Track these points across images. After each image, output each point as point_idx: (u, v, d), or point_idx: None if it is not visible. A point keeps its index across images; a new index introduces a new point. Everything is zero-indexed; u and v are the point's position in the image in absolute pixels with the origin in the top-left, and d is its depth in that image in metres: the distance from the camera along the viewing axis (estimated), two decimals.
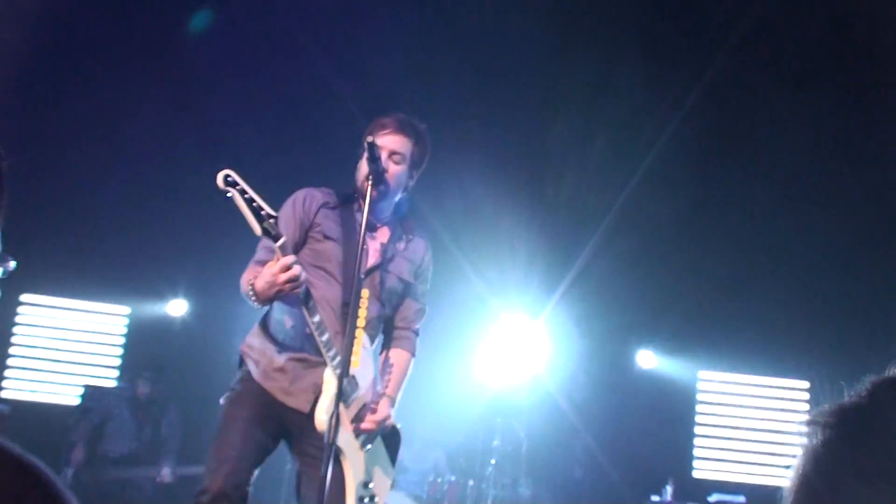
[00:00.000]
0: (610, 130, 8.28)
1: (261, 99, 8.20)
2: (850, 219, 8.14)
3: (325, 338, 3.43)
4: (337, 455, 3.48)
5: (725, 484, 8.63)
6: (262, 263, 3.49)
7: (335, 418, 3.18)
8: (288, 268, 3.27)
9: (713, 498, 7.65)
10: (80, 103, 7.94)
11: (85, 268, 8.80)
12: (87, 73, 7.86)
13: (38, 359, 9.26)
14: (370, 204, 3.46)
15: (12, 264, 6.43)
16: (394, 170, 3.66)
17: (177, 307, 9.14)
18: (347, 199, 3.78)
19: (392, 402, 3.73)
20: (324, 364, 3.48)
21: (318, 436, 3.42)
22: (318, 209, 3.71)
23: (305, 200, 3.72)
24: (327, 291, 3.61)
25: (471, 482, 7.59)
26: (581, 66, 7.79)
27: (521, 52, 7.89)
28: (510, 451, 7.91)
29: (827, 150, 7.94)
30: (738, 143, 8.40)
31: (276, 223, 3.27)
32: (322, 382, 3.49)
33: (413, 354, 3.90)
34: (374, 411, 3.63)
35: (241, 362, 3.67)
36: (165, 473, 7.32)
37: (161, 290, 9.04)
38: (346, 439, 3.54)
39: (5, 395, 8.98)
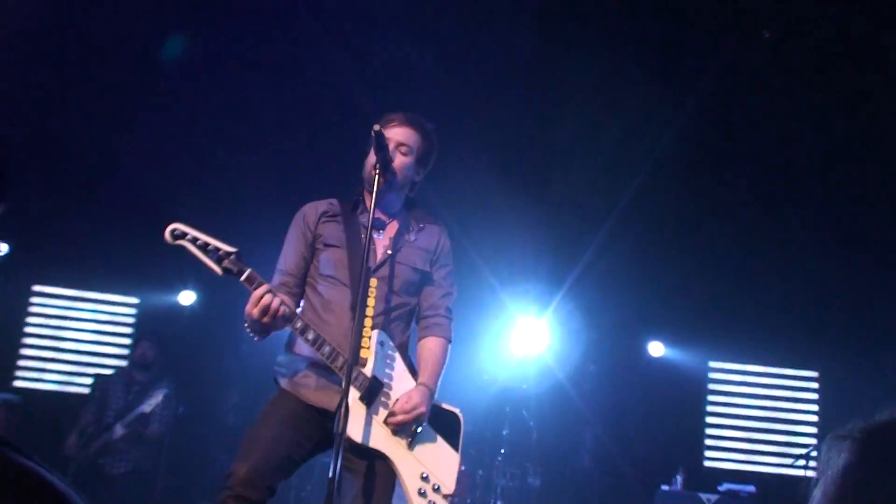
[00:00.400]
0: (618, 122, 8.23)
1: (271, 90, 8.20)
2: (860, 209, 8.12)
3: (325, 350, 3.39)
4: (381, 458, 3.48)
5: (736, 473, 8.66)
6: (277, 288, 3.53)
7: (344, 407, 3.12)
8: (259, 300, 3.24)
9: (723, 487, 7.63)
10: (92, 98, 7.95)
11: (95, 259, 8.86)
12: (98, 63, 7.86)
13: (50, 348, 9.35)
14: (378, 194, 3.43)
15: (4, 247, 6.32)
16: (401, 160, 3.65)
17: (186, 297, 9.17)
18: (352, 204, 3.76)
19: (428, 391, 3.60)
20: None
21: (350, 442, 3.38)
22: (319, 220, 3.71)
23: (305, 216, 3.73)
24: (337, 297, 3.59)
25: (480, 472, 7.60)
26: (589, 60, 7.78)
27: (526, 49, 7.90)
28: (519, 441, 7.91)
29: (838, 139, 7.92)
30: (748, 134, 8.35)
31: (237, 258, 3.25)
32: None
33: (447, 339, 3.78)
34: (406, 401, 3.52)
35: (275, 381, 3.65)
36: (117, 429, 7.01)
37: (170, 281, 9.07)
38: (384, 441, 3.48)
39: (18, 384, 9.08)
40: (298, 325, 3.38)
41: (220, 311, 8.73)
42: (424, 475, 3.55)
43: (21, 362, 9.27)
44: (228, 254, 3.27)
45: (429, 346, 3.74)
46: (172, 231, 3.24)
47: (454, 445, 3.71)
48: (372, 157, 3.54)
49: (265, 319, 3.26)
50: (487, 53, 8.05)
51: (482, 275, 8.36)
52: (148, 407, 7.12)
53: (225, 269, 3.24)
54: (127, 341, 9.34)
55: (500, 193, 8.60)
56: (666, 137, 8.16)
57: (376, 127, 3.38)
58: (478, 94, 8.24)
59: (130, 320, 9.42)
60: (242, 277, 3.27)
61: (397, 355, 3.62)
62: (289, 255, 3.70)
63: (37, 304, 9.38)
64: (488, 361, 8.60)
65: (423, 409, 3.52)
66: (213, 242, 3.26)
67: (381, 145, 3.43)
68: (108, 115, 8.18)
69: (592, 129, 8.23)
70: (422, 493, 3.52)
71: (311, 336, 3.39)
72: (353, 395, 3.39)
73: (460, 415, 3.77)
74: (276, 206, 8.02)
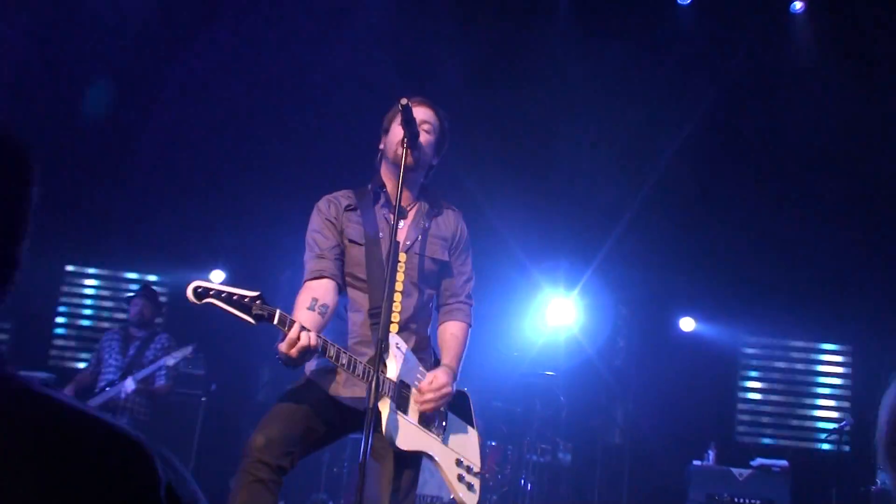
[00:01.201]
0: (650, 97, 8.26)
1: (295, 66, 8.23)
2: (891, 182, 8.03)
3: (358, 370, 3.32)
4: (425, 457, 3.50)
5: (768, 448, 8.63)
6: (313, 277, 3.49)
7: (375, 382, 3.12)
8: (295, 342, 3.14)
9: (756, 462, 7.63)
10: (120, 80, 8.02)
11: (127, 239, 8.92)
12: (124, 41, 7.92)
13: (82, 327, 9.46)
14: (405, 172, 3.37)
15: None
16: (426, 138, 3.58)
17: (216, 276, 9.23)
18: (372, 194, 3.68)
19: (451, 371, 3.57)
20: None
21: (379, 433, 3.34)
22: (343, 213, 3.61)
23: (330, 206, 3.63)
24: (357, 298, 3.55)
25: (510, 448, 7.63)
26: (617, 40, 7.83)
27: (556, 29, 7.92)
28: (550, 417, 7.91)
29: (875, 106, 7.85)
30: (780, 105, 8.31)
31: (263, 302, 3.13)
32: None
33: (468, 324, 3.75)
34: (431, 382, 3.48)
35: (302, 372, 3.61)
36: (128, 384, 6.84)
37: (200, 259, 9.12)
38: (422, 442, 3.48)
39: (52, 364, 9.19)
40: (332, 352, 3.28)
41: (251, 289, 8.75)
42: (459, 460, 3.60)
43: (55, 342, 9.40)
44: (254, 299, 3.15)
45: (450, 330, 3.71)
46: (195, 290, 3.12)
47: (470, 423, 3.75)
48: (397, 133, 3.48)
49: (303, 359, 3.21)
50: (522, 40, 8.05)
51: (512, 251, 8.35)
52: (173, 360, 7.02)
53: (256, 317, 3.12)
54: (159, 320, 9.39)
55: (530, 169, 8.68)
56: (697, 112, 8.15)
57: (404, 100, 3.30)
58: (512, 71, 8.26)
59: (162, 299, 9.48)
60: (275, 321, 3.14)
61: (410, 354, 3.53)
62: (321, 238, 3.57)
63: (69, 285, 9.50)
64: (518, 338, 8.62)
65: (448, 388, 3.51)
66: (237, 292, 3.15)
67: (410, 119, 3.35)
68: (134, 96, 8.30)
69: (624, 105, 8.22)
70: (461, 479, 3.58)
71: (344, 360, 3.29)
72: (390, 405, 3.35)
73: (468, 392, 3.79)
74: (302, 179, 8.16)
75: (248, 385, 8.98)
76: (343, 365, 3.29)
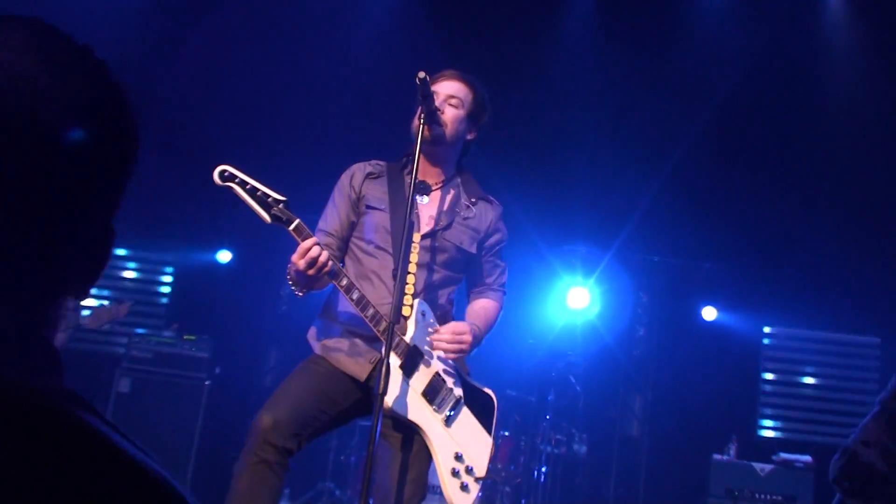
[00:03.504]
0: (671, 83, 8.20)
1: (318, 43, 8.20)
2: None
3: (369, 313, 3.35)
4: (417, 432, 3.46)
5: (792, 442, 8.50)
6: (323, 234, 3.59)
7: (385, 367, 3.12)
8: (306, 251, 3.20)
9: (778, 457, 7.56)
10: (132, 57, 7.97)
11: (130, 217, 8.81)
12: (129, 21, 7.88)
13: (88, 308, 9.43)
14: (423, 150, 3.40)
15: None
16: (451, 113, 3.60)
17: (223, 256, 9.20)
18: (401, 165, 3.72)
19: (477, 329, 3.59)
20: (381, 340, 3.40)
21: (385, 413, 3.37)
22: (364, 180, 3.67)
23: (352, 177, 3.69)
24: (378, 264, 3.56)
25: (524, 438, 7.59)
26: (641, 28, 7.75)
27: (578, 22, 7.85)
28: (565, 407, 7.88)
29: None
30: (802, 97, 8.22)
31: (286, 207, 3.23)
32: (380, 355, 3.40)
33: (499, 304, 3.82)
34: (452, 329, 3.49)
35: (309, 346, 3.67)
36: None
37: (207, 239, 9.10)
38: (420, 414, 3.44)
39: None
40: (344, 282, 3.34)
41: (258, 271, 8.75)
42: (459, 455, 3.52)
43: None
44: (278, 201, 3.23)
45: (481, 303, 3.78)
46: (221, 172, 3.22)
47: (487, 428, 3.67)
48: (417, 111, 3.50)
49: (311, 272, 3.22)
50: (540, 25, 8.02)
51: (528, 236, 8.28)
52: (94, 321, 6.68)
53: (274, 217, 3.21)
54: (164, 301, 9.43)
55: (547, 151, 8.65)
56: (720, 96, 8.09)
57: (421, 74, 3.29)
58: (530, 56, 8.23)
59: (168, 279, 9.48)
60: (291, 227, 3.23)
61: (438, 326, 3.56)
62: (331, 215, 3.66)
63: None
64: (534, 325, 8.57)
65: (468, 337, 3.49)
66: (263, 189, 3.23)
67: (426, 94, 3.37)
68: (141, 73, 8.22)
69: (645, 88, 8.19)
70: (455, 473, 3.49)
71: (355, 295, 3.35)
72: (394, 361, 3.36)
73: (494, 397, 3.74)
74: (320, 170, 8.13)
75: (254, 369, 8.94)
76: (353, 300, 3.33)
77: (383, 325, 3.33)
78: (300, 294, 3.45)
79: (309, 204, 3.79)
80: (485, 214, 3.77)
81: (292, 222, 3.23)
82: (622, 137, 8.43)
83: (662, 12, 8.11)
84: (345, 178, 3.70)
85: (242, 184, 3.22)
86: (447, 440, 3.50)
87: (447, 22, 8.11)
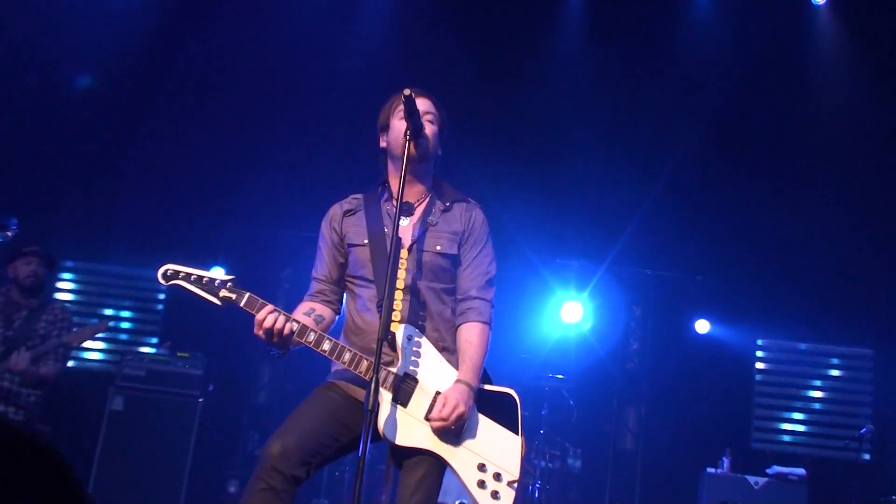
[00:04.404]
0: (663, 96, 8.26)
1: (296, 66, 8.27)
2: None
3: (346, 358, 3.37)
4: (429, 454, 3.42)
5: (785, 455, 8.55)
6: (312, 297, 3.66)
7: (374, 383, 3.08)
8: (261, 324, 3.28)
9: (772, 470, 7.61)
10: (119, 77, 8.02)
11: (122, 233, 8.94)
12: (120, 36, 7.92)
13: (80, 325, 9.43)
14: (408, 167, 3.38)
15: (12, 229, 6.02)
16: (430, 129, 3.60)
17: (215, 273, 9.21)
18: (377, 192, 3.71)
19: (466, 388, 3.43)
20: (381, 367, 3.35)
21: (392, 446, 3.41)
22: (342, 219, 3.70)
23: (331, 221, 3.74)
24: (368, 296, 3.57)
25: None
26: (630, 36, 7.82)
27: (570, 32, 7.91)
28: (559, 421, 7.88)
29: (893, 105, 7.81)
30: (795, 105, 8.32)
31: (234, 285, 3.35)
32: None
33: (485, 322, 3.61)
34: (442, 406, 3.38)
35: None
36: (21, 359, 5.88)
37: (199, 256, 9.11)
38: (427, 439, 3.40)
39: None
40: (311, 337, 3.38)
41: (251, 287, 8.74)
42: (482, 465, 3.44)
43: None
44: (224, 282, 3.37)
45: (464, 336, 3.59)
46: (164, 273, 3.40)
47: (512, 428, 3.54)
48: (399, 126, 3.51)
49: (274, 340, 3.30)
50: (532, 38, 8.09)
51: (521, 250, 8.35)
52: (76, 339, 6.31)
53: (223, 299, 3.33)
54: (156, 317, 9.45)
55: (539, 166, 8.68)
56: (712, 108, 8.14)
57: (407, 91, 3.29)
58: (522, 69, 8.29)
59: (161, 296, 9.50)
60: (242, 303, 3.33)
61: (429, 347, 3.52)
62: (319, 262, 3.72)
63: (63, 280, 9.48)
64: (527, 339, 8.60)
65: (462, 408, 3.37)
66: (207, 275, 3.37)
67: (413, 110, 3.35)
68: (133, 89, 8.33)
69: (637, 101, 8.26)
70: (482, 485, 3.42)
71: (326, 346, 3.38)
72: (386, 396, 3.37)
73: (516, 395, 3.63)
74: (303, 175, 8.16)
75: (247, 386, 8.95)
76: (325, 351, 3.36)
77: (364, 364, 3.36)
78: (279, 357, 3.47)
79: (307, 204, 3.80)
80: (461, 214, 3.72)
81: (242, 298, 3.34)
82: (614, 151, 8.47)
83: (655, 25, 8.15)
84: (324, 225, 3.75)
85: (187, 277, 3.37)
86: (465, 454, 3.44)
87: (440, 32, 8.12)
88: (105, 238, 9.07)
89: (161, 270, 3.39)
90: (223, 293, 3.34)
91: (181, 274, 3.38)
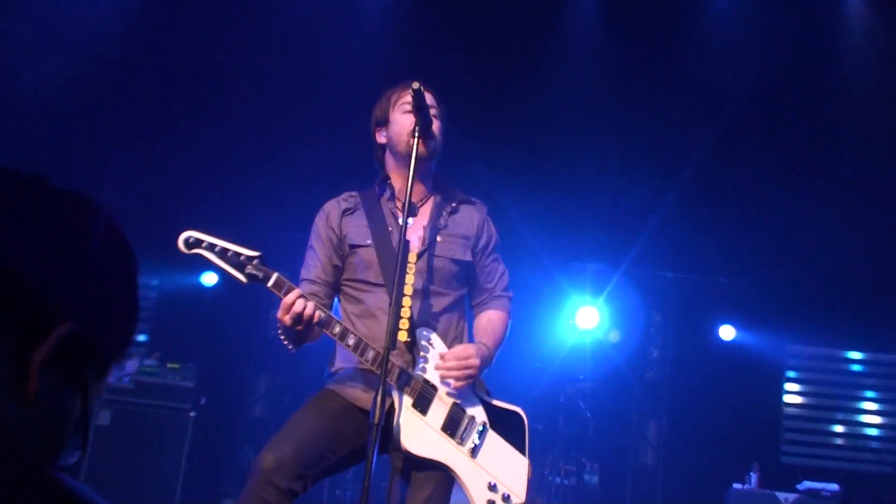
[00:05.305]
0: (683, 93, 8.21)
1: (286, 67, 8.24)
2: None
3: (369, 355, 3.32)
4: (439, 468, 3.41)
5: (818, 470, 8.47)
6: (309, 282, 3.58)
7: (381, 395, 3.06)
8: (290, 306, 3.18)
9: (803, 486, 7.56)
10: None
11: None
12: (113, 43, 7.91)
13: None
14: (419, 164, 3.32)
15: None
16: (437, 125, 3.55)
17: (208, 279, 9.17)
18: (377, 191, 3.69)
19: (484, 347, 3.53)
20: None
21: (398, 447, 3.38)
22: (341, 218, 3.64)
23: (327, 218, 3.67)
24: (374, 301, 3.53)
25: (531, 469, 7.51)
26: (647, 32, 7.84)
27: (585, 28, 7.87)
28: (575, 435, 7.88)
29: None
30: (822, 103, 8.22)
31: (261, 262, 3.21)
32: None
33: (506, 312, 3.75)
34: (460, 349, 3.45)
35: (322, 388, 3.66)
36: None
37: (191, 261, 9.05)
38: (444, 451, 3.40)
39: None
40: (337, 329, 3.31)
41: (246, 294, 8.68)
42: (492, 484, 3.46)
43: None
44: (251, 258, 3.22)
45: (487, 316, 3.71)
46: (186, 240, 3.24)
47: (520, 449, 3.61)
48: (402, 124, 3.49)
49: (299, 327, 3.21)
50: (547, 37, 8.08)
51: (535, 253, 8.29)
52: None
53: (249, 276, 3.19)
54: (145, 326, 9.30)
55: (555, 167, 8.63)
56: (736, 105, 8.08)
57: (416, 84, 3.22)
58: (537, 70, 8.26)
59: (149, 304, 9.40)
60: (269, 283, 3.20)
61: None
62: (312, 262, 3.64)
63: None
64: (541, 347, 8.55)
65: (475, 361, 3.43)
66: (233, 248, 3.23)
67: (422, 105, 3.30)
68: (126, 85, 8.29)
69: (655, 98, 8.16)
70: None
71: (351, 341, 3.31)
72: (406, 402, 3.36)
73: (524, 414, 3.67)
74: (296, 177, 8.11)
75: (242, 398, 8.90)
76: (349, 346, 3.30)
77: (387, 364, 3.29)
78: (292, 349, 3.43)
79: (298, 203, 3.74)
80: (470, 217, 3.74)
81: (270, 277, 3.21)
82: (632, 149, 8.40)
83: (673, 22, 8.08)
84: (319, 221, 3.68)
85: (211, 247, 3.22)
86: (477, 472, 3.45)
87: (448, 30, 8.09)
88: None
89: (183, 236, 3.22)
90: (249, 269, 3.19)
91: (204, 243, 3.22)
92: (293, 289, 3.21)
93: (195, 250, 3.22)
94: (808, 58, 8.02)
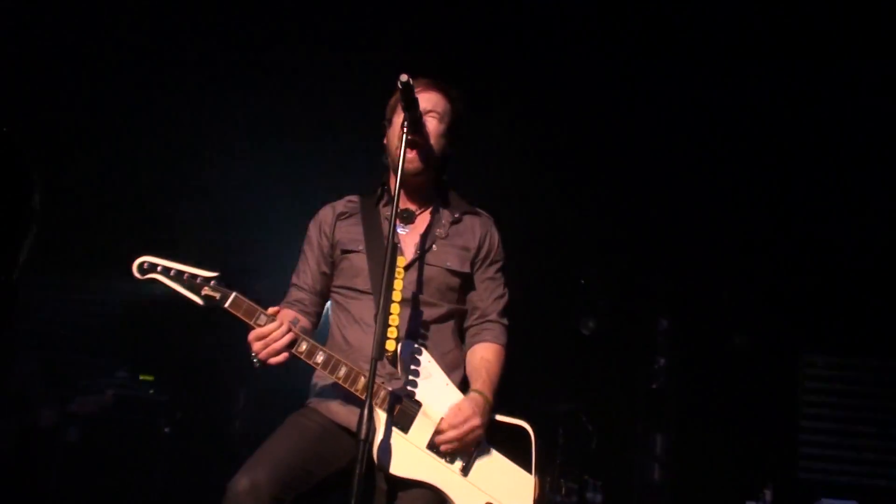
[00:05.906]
0: (686, 91, 8.00)
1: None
2: None
3: (341, 373, 3.33)
4: (431, 488, 3.36)
5: (836, 486, 8.49)
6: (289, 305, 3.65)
7: (368, 409, 3.00)
8: (262, 337, 3.24)
9: (822, 503, 7.47)
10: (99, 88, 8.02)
11: (73, 238, 8.87)
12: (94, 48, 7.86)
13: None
14: (405, 175, 3.33)
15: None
16: (432, 125, 3.57)
17: (198, 270, 9.05)
18: (376, 195, 3.73)
19: (482, 400, 3.44)
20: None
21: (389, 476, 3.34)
22: (335, 223, 3.73)
23: (320, 225, 3.76)
24: (362, 310, 3.56)
25: None
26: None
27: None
28: (576, 449, 7.79)
29: None
30: (834, 100, 7.98)
31: (218, 283, 3.28)
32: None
33: (501, 344, 3.69)
34: (454, 415, 3.37)
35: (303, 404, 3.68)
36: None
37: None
38: (430, 470, 3.35)
39: None
40: (303, 347, 3.32)
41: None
42: None
43: None
44: (208, 279, 3.29)
45: (480, 353, 3.64)
46: (140, 265, 3.32)
47: (526, 466, 3.52)
48: (396, 127, 3.45)
49: (276, 359, 3.28)
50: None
51: (535, 256, 8.19)
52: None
53: (205, 298, 3.26)
54: (114, 335, 9.29)
55: (552, 166, 8.56)
56: (749, 104, 7.93)
57: (404, 77, 3.16)
58: (536, 81, 8.14)
59: (117, 310, 9.43)
60: (227, 304, 3.25)
61: (436, 368, 3.50)
62: (303, 269, 3.73)
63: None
64: (538, 355, 8.31)
65: (476, 421, 3.35)
66: (189, 270, 3.30)
67: (410, 99, 3.24)
68: (113, 92, 8.24)
69: (655, 98, 8.06)
70: None
71: (320, 358, 3.32)
72: (382, 418, 3.32)
73: (530, 429, 3.61)
74: (284, 182, 7.98)
75: (220, 413, 8.84)
76: (318, 364, 3.32)
77: (361, 382, 3.31)
78: (259, 367, 3.39)
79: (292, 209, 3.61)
80: (472, 228, 3.75)
81: (227, 298, 3.26)
82: (632, 147, 8.35)
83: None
84: (312, 228, 3.77)
85: (166, 272, 3.29)
86: (471, 492, 3.39)
87: (451, 29, 8.00)
88: (69, 251, 9.05)
89: (136, 262, 3.31)
90: (205, 291, 3.26)
91: (159, 267, 3.30)
92: (255, 310, 3.25)
93: (149, 275, 3.30)
94: (830, 52, 7.92)
